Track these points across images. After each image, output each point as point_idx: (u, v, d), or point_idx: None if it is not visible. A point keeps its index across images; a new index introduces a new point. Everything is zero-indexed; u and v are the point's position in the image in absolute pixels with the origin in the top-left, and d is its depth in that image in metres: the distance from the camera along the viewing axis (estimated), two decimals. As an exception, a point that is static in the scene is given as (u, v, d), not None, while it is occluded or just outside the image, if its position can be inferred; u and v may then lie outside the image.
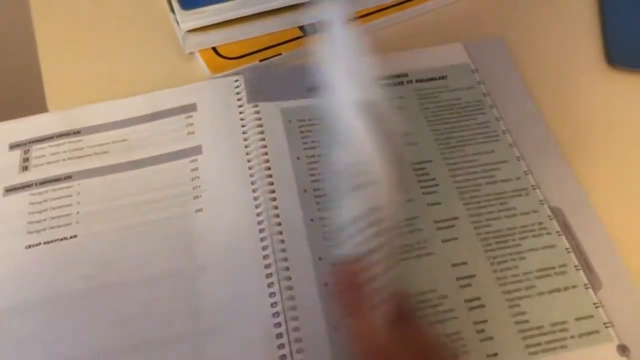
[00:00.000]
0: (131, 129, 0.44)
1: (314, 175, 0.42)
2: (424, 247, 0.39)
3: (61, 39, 0.51)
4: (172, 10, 0.49)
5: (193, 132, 0.44)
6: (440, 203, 0.41)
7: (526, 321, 0.36)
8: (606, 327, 0.36)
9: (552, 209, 0.41)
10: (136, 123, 0.45)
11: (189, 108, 0.45)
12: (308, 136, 0.44)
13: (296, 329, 0.35)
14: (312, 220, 0.39)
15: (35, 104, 0.47)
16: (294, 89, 0.46)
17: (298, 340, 0.35)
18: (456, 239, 0.39)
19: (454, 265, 0.38)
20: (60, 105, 0.46)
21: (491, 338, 0.36)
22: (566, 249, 0.39)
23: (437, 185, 0.42)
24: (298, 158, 0.42)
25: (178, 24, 0.48)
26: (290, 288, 0.37)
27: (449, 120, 0.45)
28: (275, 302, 0.36)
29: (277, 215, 0.39)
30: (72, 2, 0.53)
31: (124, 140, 0.44)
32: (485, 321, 0.36)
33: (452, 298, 0.37)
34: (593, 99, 0.48)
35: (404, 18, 0.53)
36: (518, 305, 0.37)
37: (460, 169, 0.42)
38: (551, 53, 0.51)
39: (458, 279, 0.38)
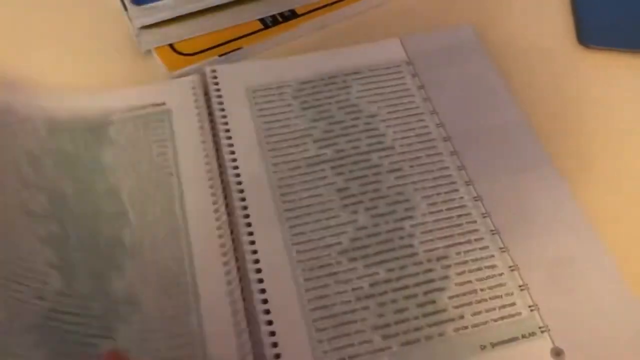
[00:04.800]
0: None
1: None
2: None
3: (9, 35, 0.49)
4: (125, 7, 0.46)
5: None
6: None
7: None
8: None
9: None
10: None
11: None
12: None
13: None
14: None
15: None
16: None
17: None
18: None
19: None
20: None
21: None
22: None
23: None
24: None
25: (131, 21, 0.45)
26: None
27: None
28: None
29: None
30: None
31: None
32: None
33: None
34: (566, 78, 0.46)
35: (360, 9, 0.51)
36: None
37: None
38: (520, 35, 0.49)
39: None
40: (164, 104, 0.43)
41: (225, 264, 0.36)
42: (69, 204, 0.38)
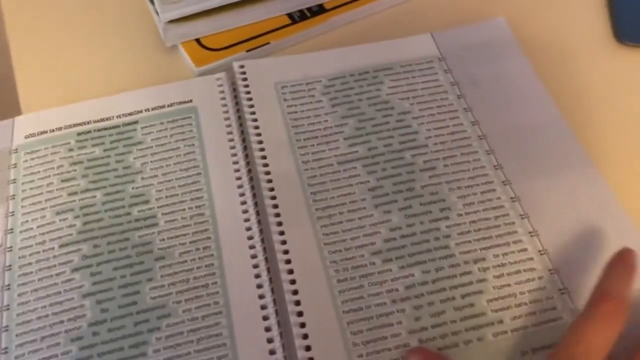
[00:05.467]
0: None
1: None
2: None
3: (34, 37, 0.48)
4: (152, 1, 0.46)
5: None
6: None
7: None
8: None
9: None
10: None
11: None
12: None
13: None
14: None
15: (7, 106, 0.44)
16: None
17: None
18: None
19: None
20: (34, 108, 0.43)
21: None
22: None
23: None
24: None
25: (157, 14, 0.44)
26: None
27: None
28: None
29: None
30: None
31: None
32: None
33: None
34: (602, 75, 0.45)
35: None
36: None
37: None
38: (555, 31, 0.48)
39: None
40: (190, 101, 0.43)
41: (256, 266, 0.36)
42: (99, 215, 0.38)
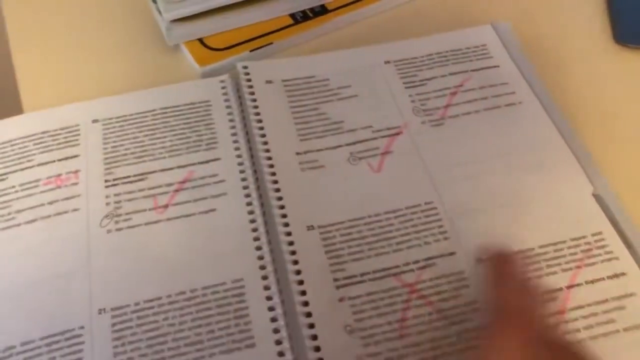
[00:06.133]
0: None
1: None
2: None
3: (35, 35, 0.48)
4: (154, 0, 0.45)
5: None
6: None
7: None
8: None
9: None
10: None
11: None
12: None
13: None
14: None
15: (9, 106, 0.43)
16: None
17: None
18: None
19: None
20: (36, 107, 0.42)
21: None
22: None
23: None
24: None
25: (160, 14, 0.44)
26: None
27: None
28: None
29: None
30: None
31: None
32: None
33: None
34: (602, 77, 0.46)
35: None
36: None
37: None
38: (555, 33, 0.48)
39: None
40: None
41: (262, 267, 0.36)
42: None
